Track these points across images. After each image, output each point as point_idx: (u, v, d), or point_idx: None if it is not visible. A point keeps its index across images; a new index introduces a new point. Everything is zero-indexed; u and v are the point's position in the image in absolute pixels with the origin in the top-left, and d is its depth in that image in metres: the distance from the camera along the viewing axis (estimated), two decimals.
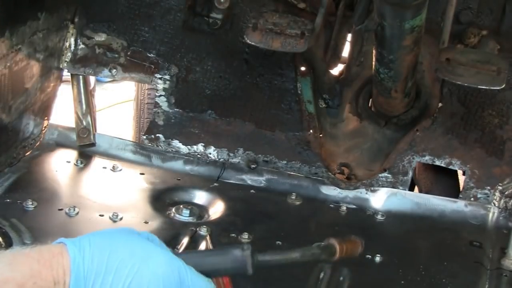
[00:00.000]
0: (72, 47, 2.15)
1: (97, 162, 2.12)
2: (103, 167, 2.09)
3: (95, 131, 2.19)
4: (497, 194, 2.03)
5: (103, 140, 2.18)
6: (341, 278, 1.67)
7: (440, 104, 2.08)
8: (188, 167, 2.15)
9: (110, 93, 5.66)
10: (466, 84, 1.83)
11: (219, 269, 1.12)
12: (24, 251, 0.99)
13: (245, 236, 1.77)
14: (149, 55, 2.17)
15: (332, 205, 2.05)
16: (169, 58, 2.17)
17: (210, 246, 1.67)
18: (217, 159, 2.16)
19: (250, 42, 1.87)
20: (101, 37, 2.17)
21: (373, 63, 1.88)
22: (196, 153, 2.17)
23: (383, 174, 2.09)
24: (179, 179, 2.09)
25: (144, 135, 2.23)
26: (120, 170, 2.08)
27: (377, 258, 1.76)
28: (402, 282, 1.67)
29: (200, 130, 2.18)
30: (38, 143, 2.11)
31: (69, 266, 0.98)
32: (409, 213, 2.03)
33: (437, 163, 2.09)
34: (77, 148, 2.16)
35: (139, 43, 2.17)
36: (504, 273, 1.75)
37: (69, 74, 2.19)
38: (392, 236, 1.94)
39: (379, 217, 2.00)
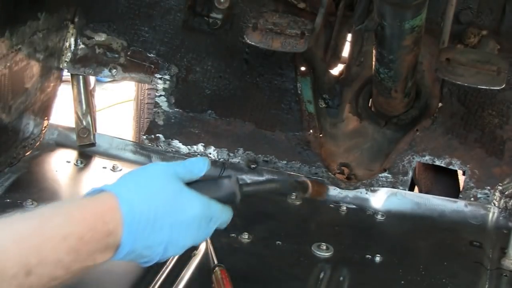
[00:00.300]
0: (72, 47, 2.15)
1: (97, 162, 2.12)
2: (103, 167, 2.09)
3: (95, 131, 2.19)
4: (497, 194, 2.03)
5: (103, 140, 2.18)
6: (341, 278, 1.67)
7: (440, 104, 2.08)
8: None
9: (110, 93, 5.66)
10: (466, 84, 1.83)
11: (214, 198, 1.24)
12: (78, 205, 1.07)
13: (245, 236, 1.77)
14: (149, 55, 2.17)
15: (332, 205, 2.05)
16: (169, 58, 2.17)
17: (210, 246, 1.67)
18: (217, 159, 2.16)
19: (250, 42, 1.87)
20: (101, 37, 2.17)
21: (373, 63, 1.88)
22: (196, 153, 2.17)
23: (383, 174, 2.09)
24: None
25: (144, 135, 2.23)
26: (120, 170, 2.08)
27: (377, 258, 1.76)
28: (402, 282, 1.67)
29: (200, 130, 2.18)
30: (38, 143, 2.11)
31: (122, 218, 1.06)
32: (409, 213, 2.03)
33: (437, 163, 2.09)
34: (77, 148, 2.16)
35: (139, 43, 2.17)
36: (504, 273, 1.75)
37: (69, 74, 2.19)
38: (392, 236, 1.94)
39: (379, 217, 2.00)
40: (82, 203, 1.08)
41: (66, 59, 2.15)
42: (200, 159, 1.26)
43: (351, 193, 2.08)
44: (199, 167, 1.24)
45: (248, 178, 2.12)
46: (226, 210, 1.26)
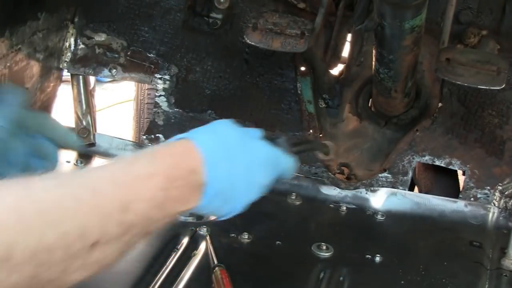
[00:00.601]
0: (72, 47, 2.15)
1: (97, 162, 2.12)
2: None
3: (95, 131, 2.19)
4: (497, 194, 2.03)
5: (103, 140, 2.18)
6: (341, 278, 1.67)
7: (440, 104, 2.08)
8: None
9: (110, 93, 5.66)
10: (466, 84, 1.83)
11: None
12: (159, 149, 1.12)
13: (245, 236, 1.77)
14: (149, 55, 2.17)
15: (332, 205, 2.04)
16: (169, 58, 2.17)
17: (210, 246, 1.67)
18: None
19: (250, 42, 1.87)
20: (101, 37, 2.17)
21: (373, 63, 1.88)
22: None
23: (383, 174, 2.09)
24: None
25: (144, 135, 2.23)
26: None
27: (377, 258, 1.76)
28: (402, 282, 1.67)
29: None
30: None
31: (201, 157, 1.09)
32: (409, 213, 2.03)
33: (437, 163, 2.09)
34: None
35: (139, 43, 2.17)
36: (504, 273, 1.75)
37: (69, 74, 2.19)
38: (392, 236, 1.94)
39: (379, 217, 2.00)
40: (161, 147, 1.14)
41: (66, 59, 2.15)
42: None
43: (351, 193, 2.08)
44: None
45: None
46: (291, 158, 1.29)
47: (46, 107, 2.12)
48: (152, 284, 1.53)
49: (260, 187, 1.21)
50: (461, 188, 2.15)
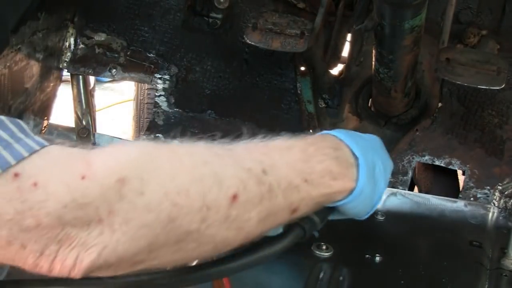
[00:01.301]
0: (72, 47, 2.15)
1: None
2: None
3: (95, 131, 2.19)
4: (497, 194, 2.03)
5: (103, 140, 2.18)
6: (341, 278, 1.67)
7: (439, 104, 2.08)
8: None
9: (110, 93, 5.66)
10: (465, 84, 1.83)
11: None
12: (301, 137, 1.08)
13: None
14: (149, 55, 2.17)
15: None
16: (168, 58, 2.17)
17: None
18: None
19: (250, 42, 1.87)
20: (101, 37, 2.17)
21: (373, 63, 1.88)
22: None
23: None
24: None
25: (144, 135, 2.23)
26: None
27: (377, 258, 1.75)
28: (402, 281, 1.67)
29: (199, 130, 2.18)
30: None
31: (344, 142, 1.07)
32: (409, 213, 2.03)
33: (437, 163, 2.09)
34: None
35: (138, 43, 2.17)
36: (504, 273, 1.75)
37: (69, 74, 2.19)
38: (392, 236, 1.94)
39: (379, 217, 2.00)
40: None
41: (66, 59, 2.15)
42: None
43: None
44: None
45: None
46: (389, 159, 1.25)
47: (46, 107, 2.12)
48: None
49: (386, 185, 1.15)
50: (461, 188, 2.15)
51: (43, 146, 0.80)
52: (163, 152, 0.87)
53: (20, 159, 0.76)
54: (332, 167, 1.02)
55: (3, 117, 0.80)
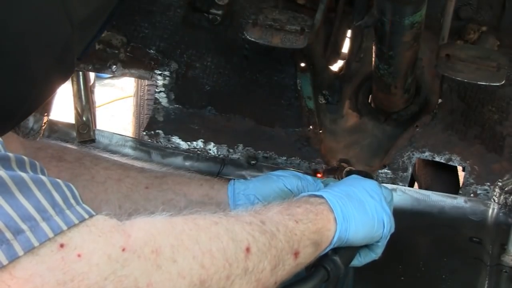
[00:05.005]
0: None
1: None
2: None
3: (95, 127, 2.19)
4: (497, 190, 2.03)
5: (103, 136, 2.18)
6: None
7: (440, 100, 2.08)
8: (187, 163, 2.15)
9: (110, 89, 5.66)
10: (465, 80, 1.83)
11: None
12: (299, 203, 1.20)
13: None
14: (149, 51, 2.17)
15: None
16: (168, 54, 2.17)
17: None
18: (217, 155, 2.16)
19: (250, 38, 1.87)
20: None
21: (373, 59, 1.88)
22: (196, 149, 2.17)
23: (382, 170, 2.09)
24: None
25: (144, 131, 2.23)
26: None
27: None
28: (402, 278, 1.68)
29: (199, 126, 2.18)
30: (37, 139, 2.11)
31: (335, 227, 1.20)
32: (409, 209, 2.03)
33: (437, 159, 2.09)
34: (77, 144, 2.15)
35: (138, 39, 2.17)
36: (504, 269, 1.75)
37: None
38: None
39: None
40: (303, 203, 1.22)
41: None
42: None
43: None
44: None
45: (248, 174, 2.12)
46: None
47: (46, 103, 2.11)
48: None
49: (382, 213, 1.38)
50: (461, 184, 2.15)
51: (91, 216, 0.82)
52: (177, 219, 0.92)
53: (71, 225, 0.78)
54: (308, 206, 1.16)
55: (59, 181, 0.81)
